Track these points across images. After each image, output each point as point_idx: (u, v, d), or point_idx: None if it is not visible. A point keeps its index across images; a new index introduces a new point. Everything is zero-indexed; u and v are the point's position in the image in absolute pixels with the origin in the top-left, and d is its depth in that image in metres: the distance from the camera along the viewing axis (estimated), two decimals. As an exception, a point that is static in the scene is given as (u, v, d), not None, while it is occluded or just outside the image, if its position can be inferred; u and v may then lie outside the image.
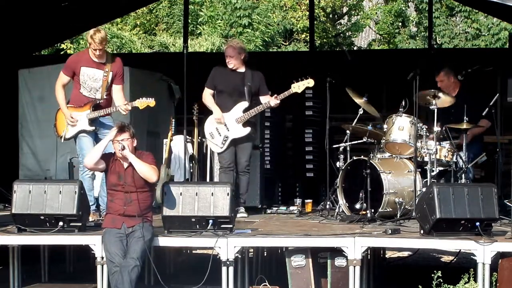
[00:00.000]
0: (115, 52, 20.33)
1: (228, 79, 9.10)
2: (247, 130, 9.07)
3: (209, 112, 9.20)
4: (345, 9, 26.32)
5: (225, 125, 9.06)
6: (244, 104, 9.05)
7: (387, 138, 9.09)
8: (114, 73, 8.39)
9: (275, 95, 9.02)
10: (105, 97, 8.40)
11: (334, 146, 9.43)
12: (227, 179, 8.98)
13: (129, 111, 8.41)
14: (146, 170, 7.23)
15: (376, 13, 26.23)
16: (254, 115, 9.10)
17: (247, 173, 9.21)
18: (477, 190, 7.30)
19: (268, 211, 9.93)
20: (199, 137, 10.10)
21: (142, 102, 8.28)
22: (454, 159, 8.97)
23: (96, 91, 8.37)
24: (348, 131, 9.31)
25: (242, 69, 9.13)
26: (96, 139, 8.38)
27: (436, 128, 8.84)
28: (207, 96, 9.14)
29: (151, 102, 8.29)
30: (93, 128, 8.34)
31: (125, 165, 7.31)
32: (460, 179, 8.89)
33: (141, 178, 7.25)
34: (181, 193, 7.43)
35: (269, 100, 9.03)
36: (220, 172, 9.35)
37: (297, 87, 8.96)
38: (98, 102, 8.35)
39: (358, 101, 9.43)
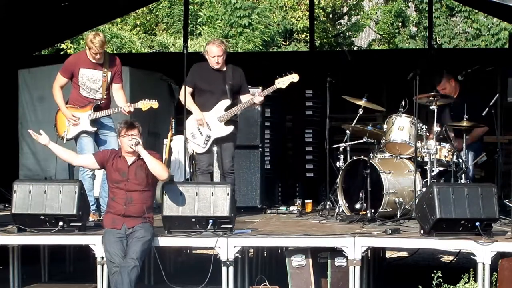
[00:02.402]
0: (115, 52, 20.33)
1: (210, 78, 8.81)
2: (230, 128, 8.80)
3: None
4: (345, 9, 26.32)
5: (207, 124, 8.78)
6: (226, 102, 8.76)
7: (387, 138, 9.09)
8: (113, 72, 8.39)
9: (259, 91, 8.80)
10: (105, 97, 8.40)
11: (334, 146, 9.42)
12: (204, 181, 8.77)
13: (131, 112, 8.40)
14: (158, 167, 7.23)
15: (376, 13, 26.22)
16: (235, 114, 8.85)
17: (231, 175, 8.91)
18: (477, 190, 7.30)
19: (268, 211, 9.92)
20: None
21: (145, 104, 8.28)
22: (454, 159, 8.97)
23: (96, 91, 8.36)
24: (348, 131, 9.30)
25: (223, 68, 8.84)
26: (96, 139, 8.39)
27: (436, 128, 8.84)
28: (186, 95, 8.70)
29: (154, 104, 8.29)
30: (95, 128, 8.34)
31: (130, 161, 7.31)
32: (460, 179, 8.89)
33: (144, 176, 7.25)
34: (181, 193, 7.43)
35: (252, 97, 8.75)
36: (197, 174, 8.99)
37: (282, 82, 8.69)
38: (99, 103, 8.35)
39: (359, 103, 9.41)
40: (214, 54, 8.77)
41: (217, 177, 9.68)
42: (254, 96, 8.77)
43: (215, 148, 8.87)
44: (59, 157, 7.76)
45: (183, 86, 8.77)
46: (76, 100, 8.38)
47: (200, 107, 8.80)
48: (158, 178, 7.32)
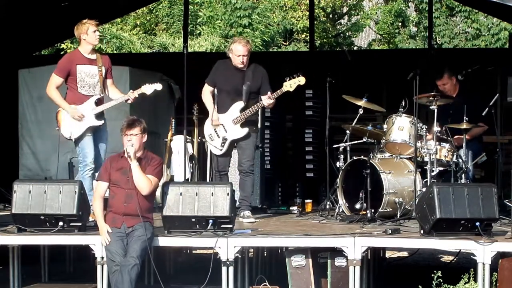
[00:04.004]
0: (115, 52, 20.35)
1: (229, 77, 8.72)
2: (245, 130, 8.71)
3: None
4: (345, 9, 26.31)
5: (223, 127, 8.73)
6: (240, 104, 8.68)
7: (387, 138, 9.09)
8: (106, 67, 8.42)
9: (269, 94, 8.61)
10: (102, 92, 8.38)
11: (334, 146, 9.42)
12: None
13: (136, 98, 8.37)
14: (141, 182, 7.15)
15: (376, 13, 26.21)
16: (253, 114, 8.76)
17: (250, 174, 8.78)
18: (477, 190, 7.30)
19: (268, 211, 9.91)
20: (199, 137, 10.02)
21: (149, 87, 8.28)
22: (454, 159, 8.97)
23: (95, 86, 8.35)
24: (348, 131, 9.31)
25: (244, 68, 8.74)
26: (95, 138, 8.36)
27: (436, 128, 8.84)
28: (207, 94, 8.78)
29: (157, 86, 8.28)
30: (102, 121, 8.30)
31: (131, 160, 7.31)
32: (460, 179, 8.89)
33: None
34: (181, 193, 7.43)
35: (261, 101, 8.63)
36: (214, 174, 8.91)
37: (289, 85, 8.58)
38: (99, 97, 8.34)
39: (359, 103, 9.41)
40: (240, 53, 8.66)
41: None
42: (264, 99, 8.63)
43: (233, 150, 8.86)
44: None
45: (206, 85, 8.79)
46: (74, 100, 8.34)
47: (217, 108, 8.73)
48: (139, 191, 7.21)
